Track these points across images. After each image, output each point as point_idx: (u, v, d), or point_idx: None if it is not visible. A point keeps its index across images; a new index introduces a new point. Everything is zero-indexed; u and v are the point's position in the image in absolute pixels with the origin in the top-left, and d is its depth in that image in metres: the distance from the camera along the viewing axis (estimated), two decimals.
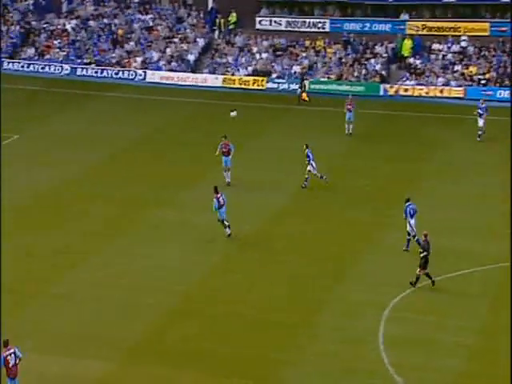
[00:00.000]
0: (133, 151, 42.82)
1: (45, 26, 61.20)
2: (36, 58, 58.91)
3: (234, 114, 42.91)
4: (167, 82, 56.02)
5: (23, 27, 60.83)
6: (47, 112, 49.20)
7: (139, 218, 34.70)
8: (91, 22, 61.03)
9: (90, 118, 49.00)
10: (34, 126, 46.34)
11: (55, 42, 59.98)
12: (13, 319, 26.46)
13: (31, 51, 59.34)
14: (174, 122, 48.27)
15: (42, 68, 57.87)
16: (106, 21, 61.17)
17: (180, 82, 55.74)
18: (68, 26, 60.95)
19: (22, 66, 58.06)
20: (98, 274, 29.99)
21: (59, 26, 61.05)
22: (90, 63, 58.04)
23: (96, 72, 57.47)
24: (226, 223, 32.42)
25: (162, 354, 25.03)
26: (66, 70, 57.68)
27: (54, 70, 57.67)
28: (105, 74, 57.31)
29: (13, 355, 22.15)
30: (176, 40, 59.09)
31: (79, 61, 58.45)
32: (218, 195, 32.30)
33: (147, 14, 61.29)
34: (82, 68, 57.73)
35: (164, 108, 51.35)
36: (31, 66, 57.97)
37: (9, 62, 58.15)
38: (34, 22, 61.46)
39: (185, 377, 24.07)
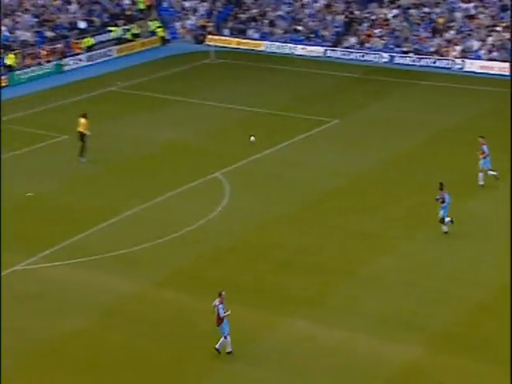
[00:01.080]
0: (443, 140, 42.09)
1: (367, 15, 61.99)
2: (357, 46, 59.88)
3: (253, 139, 40.05)
4: (486, 72, 54.36)
5: (347, 16, 62.05)
6: (365, 98, 49.86)
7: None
8: (412, 11, 60.82)
9: (404, 105, 48.95)
10: (354, 111, 47.22)
11: (375, 30, 60.57)
12: (324, 295, 27.42)
13: (353, 40, 60.41)
14: (486, 112, 46.70)
15: (362, 56, 58.71)
16: (426, 9, 60.68)
17: (500, 72, 53.83)
18: (389, 15, 61.28)
19: (344, 54, 59.31)
20: (406, 261, 30.00)
21: (381, 16, 61.53)
22: (408, 52, 57.95)
23: (414, 60, 57.27)
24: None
25: (468, 346, 24.50)
26: (385, 58, 58.03)
27: (374, 58, 58.28)
28: (422, 62, 56.92)
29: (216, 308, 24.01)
30: (499, 29, 57.12)
31: (398, 49, 58.61)
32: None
33: (470, 2, 59.86)
34: (401, 56, 57.79)
35: (479, 98, 49.87)
36: (352, 54, 59.05)
37: (331, 50, 59.70)
38: (357, 12, 62.47)
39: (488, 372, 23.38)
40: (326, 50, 59.84)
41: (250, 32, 62.93)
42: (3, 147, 40.21)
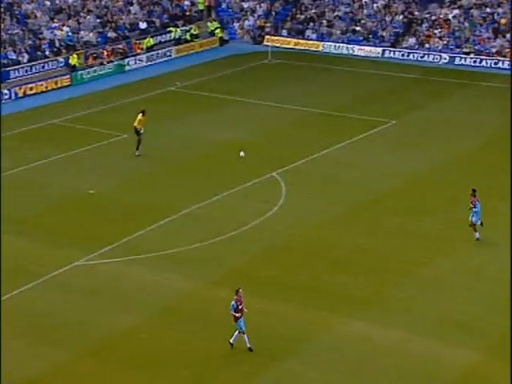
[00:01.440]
0: (502, 141, 41.12)
1: (427, 15, 61.18)
2: (416, 47, 59.13)
3: (242, 154, 37.83)
4: None
5: (406, 17, 61.34)
6: (424, 99, 49.17)
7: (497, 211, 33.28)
8: (473, 11, 59.86)
9: (464, 106, 48.18)
10: (411, 112, 46.58)
11: (436, 31, 59.73)
12: (381, 296, 27.07)
13: (412, 40, 59.68)
14: None
15: (421, 57, 57.90)
16: (488, 10, 59.64)
17: None
18: (450, 16, 60.39)
19: (403, 55, 58.61)
20: (466, 263, 29.45)
21: (441, 16, 60.68)
22: (469, 52, 57.03)
23: (474, 61, 56.33)
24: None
25: None
26: (445, 59, 57.19)
27: (433, 59, 57.46)
28: (483, 63, 55.93)
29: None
30: None
31: (458, 50, 57.71)
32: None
33: None
34: (461, 57, 56.88)
35: None
36: (411, 54, 58.30)
37: (390, 51, 59.05)
38: (416, 12, 61.70)
39: None
40: (384, 50, 59.20)
41: (308, 32, 62.60)
42: (65, 145, 40.71)
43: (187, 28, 61.46)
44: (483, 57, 56.27)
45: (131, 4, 61.38)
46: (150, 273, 28.95)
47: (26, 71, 51.26)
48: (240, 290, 24.35)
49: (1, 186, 34.74)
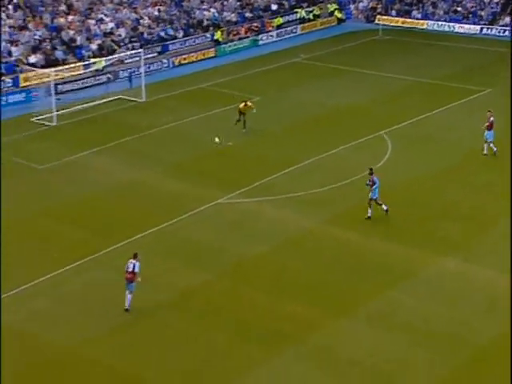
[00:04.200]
0: None
1: None
2: (509, 25, 55.97)
3: (217, 140, 33.15)
4: None
5: None
6: None
7: None
8: None
9: None
10: (506, 81, 43.80)
11: None
12: (475, 239, 26.03)
13: (508, 19, 56.49)
14: None
15: None
16: None
17: None
18: None
19: (499, 32, 55.63)
20: None
21: None
22: None
23: None
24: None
25: None
26: None
27: None
28: None
29: (131, 265, 22.20)
30: None
31: None
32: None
33: None
34: None
35: None
36: (506, 31, 55.27)
37: (487, 28, 56.22)
38: None
39: None
40: (482, 28, 56.38)
41: (414, 13, 60.32)
42: (210, 105, 40.93)
43: (310, 9, 60.35)
44: None
45: None
46: (277, 211, 28.94)
47: (181, 44, 51.82)
48: (138, 255, 22.33)
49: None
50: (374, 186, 27.72)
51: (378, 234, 27.05)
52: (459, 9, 59.09)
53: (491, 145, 33.42)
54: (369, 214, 27.92)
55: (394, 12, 60.96)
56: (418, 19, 59.29)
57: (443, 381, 19.76)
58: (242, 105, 36.86)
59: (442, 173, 32.10)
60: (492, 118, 33.14)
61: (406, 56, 51.22)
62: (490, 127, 33.19)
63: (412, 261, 25.28)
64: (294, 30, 58.01)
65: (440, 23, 57.95)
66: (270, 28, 57.12)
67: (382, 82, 45.67)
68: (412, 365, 20.31)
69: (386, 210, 27.99)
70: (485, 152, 33.53)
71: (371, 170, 28.10)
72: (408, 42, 54.99)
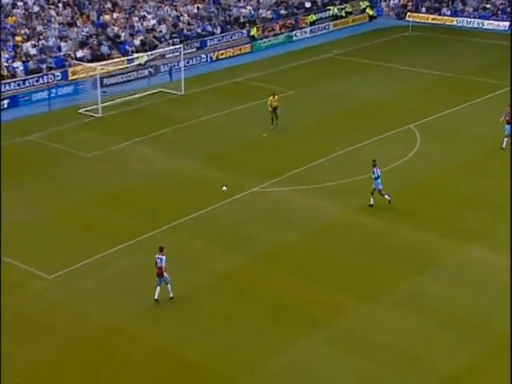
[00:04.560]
0: None
1: None
2: None
3: (224, 188, 29.60)
4: None
5: None
6: None
7: None
8: None
9: None
10: None
11: None
12: (498, 228, 25.90)
13: None
14: None
15: None
16: None
17: None
18: None
19: None
20: None
21: None
22: None
23: None
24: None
25: None
26: None
27: None
28: None
29: (158, 260, 21.93)
30: None
31: None
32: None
33: None
34: None
35: None
36: None
37: None
38: None
39: None
40: (511, 24, 55.50)
41: (444, 10, 59.52)
42: (245, 98, 41.04)
43: (343, 6, 59.89)
44: None
45: None
46: (309, 200, 29.06)
47: (219, 40, 51.88)
48: (164, 248, 22.13)
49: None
50: (378, 177, 27.81)
51: (407, 222, 27.03)
52: (488, 6, 58.20)
53: (506, 139, 33.08)
54: (371, 203, 27.97)
55: (424, 9, 60.28)
56: (447, 16, 58.56)
57: (467, 364, 19.78)
58: (271, 98, 36.34)
59: (468, 164, 31.92)
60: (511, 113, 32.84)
61: (434, 51, 50.68)
62: (509, 122, 32.87)
63: (439, 248, 25.25)
64: (327, 27, 57.72)
65: (469, 20, 57.13)
66: (304, 25, 56.92)
67: (411, 76, 45.30)
68: (438, 348, 20.36)
69: (389, 201, 27.94)
70: (503, 146, 33.19)
71: (374, 161, 28.04)
72: (437, 38, 54.34)
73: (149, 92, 42.27)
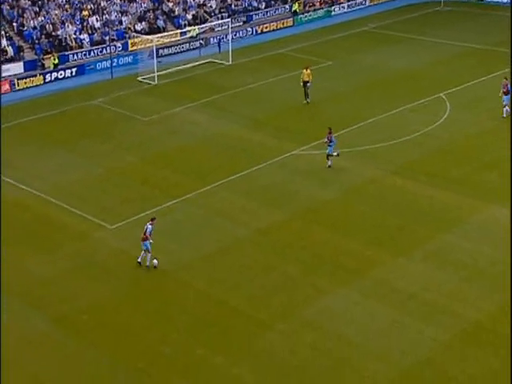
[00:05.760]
0: None
1: None
2: None
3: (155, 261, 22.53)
4: None
5: None
6: None
7: None
8: None
9: None
10: None
11: None
12: None
13: None
14: None
15: None
16: None
17: None
18: None
19: None
20: None
21: None
22: None
23: None
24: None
25: None
26: None
27: None
28: None
29: (146, 227, 21.13)
30: None
31: None
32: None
33: None
34: None
35: None
36: None
37: None
38: None
39: None
40: None
41: None
42: (287, 68, 40.01)
43: None
44: None
45: None
46: (344, 162, 28.15)
47: (263, 14, 50.65)
48: (155, 220, 21.42)
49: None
50: (331, 144, 27.19)
51: (435, 184, 26.09)
52: None
53: (506, 107, 31.67)
54: (329, 164, 27.40)
55: None
56: None
57: (489, 313, 19.12)
58: (303, 71, 34.25)
59: (494, 130, 30.60)
60: (509, 85, 31.49)
61: (464, 25, 48.52)
62: (506, 93, 31.68)
63: (465, 208, 24.35)
64: (364, 2, 55.71)
65: None
66: (342, 0, 55.08)
67: (442, 48, 43.48)
68: (462, 298, 19.74)
69: (329, 166, 27.35)
70: (504, 115, 31.75)
71: (330, 129, 27.35)
72: (467, 13, 52.01)
73: (200, 62, 41.65)
